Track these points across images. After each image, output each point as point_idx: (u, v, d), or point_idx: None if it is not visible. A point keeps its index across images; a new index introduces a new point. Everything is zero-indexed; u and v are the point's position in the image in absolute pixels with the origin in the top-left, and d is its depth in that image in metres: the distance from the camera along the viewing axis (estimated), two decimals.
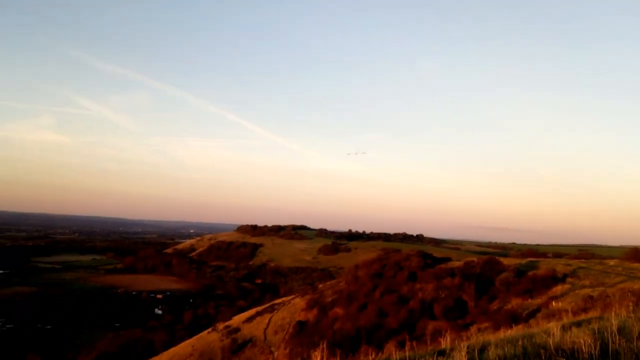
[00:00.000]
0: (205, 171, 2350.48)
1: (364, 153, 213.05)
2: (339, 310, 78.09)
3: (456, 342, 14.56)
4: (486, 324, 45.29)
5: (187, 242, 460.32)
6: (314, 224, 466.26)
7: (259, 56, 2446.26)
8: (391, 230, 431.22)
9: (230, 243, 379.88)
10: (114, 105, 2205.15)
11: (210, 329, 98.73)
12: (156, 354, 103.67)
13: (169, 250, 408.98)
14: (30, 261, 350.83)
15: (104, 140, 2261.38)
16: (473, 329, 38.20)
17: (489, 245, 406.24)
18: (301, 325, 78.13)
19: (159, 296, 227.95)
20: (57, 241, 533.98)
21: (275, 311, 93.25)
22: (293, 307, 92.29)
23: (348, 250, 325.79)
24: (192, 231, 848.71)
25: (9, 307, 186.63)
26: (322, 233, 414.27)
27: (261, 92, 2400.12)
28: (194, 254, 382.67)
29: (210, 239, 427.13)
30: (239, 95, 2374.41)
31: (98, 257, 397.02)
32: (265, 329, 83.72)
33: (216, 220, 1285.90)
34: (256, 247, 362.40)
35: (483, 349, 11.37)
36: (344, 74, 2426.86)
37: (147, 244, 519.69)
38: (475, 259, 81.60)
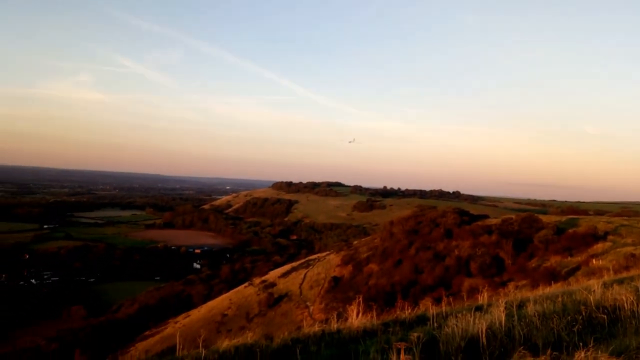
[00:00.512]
0: (241, 128, 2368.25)
1: (360, 143, 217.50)
2: (373, 267, 78.86)
3: (493, 298, 14.58)
4: (524, 282, 45.09)
5: (224, 199, 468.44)
6: (348, 181, 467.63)
7: (296, 13, 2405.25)
8: (427, 187, 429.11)
9: (266, 199, 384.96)
10: (151, 62, 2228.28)
11: (247, 284, 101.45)
12: (195, 306, 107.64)
13: (206, 207, 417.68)
14: (73, 216, 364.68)
15: (141, 98, 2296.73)
16: (510, 286, 38.05)
17: (528, 202, 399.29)
18: (336, 281, 79.40)
19: (197, 251, 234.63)
20: (99, 197, 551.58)
21: (311, 267, 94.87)
22: (328, 263, 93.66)
23: (383, 207, 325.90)
24: (228, 188, 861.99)
25: (54, 260, 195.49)
26: (357, 190, 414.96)
27: (297, 49, 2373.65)
28: (230, 210, 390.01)
29: (246, 196, 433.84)
30: (276, 53, 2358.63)
31: (138, 213, 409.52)
32: (301, 284, 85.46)
33: (252, 176, 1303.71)
34: (291, 203, 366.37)
35: (521, 305, 11.35)
36: (381, 30, 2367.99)
37: (184, 200, 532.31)
38: (513, 216, 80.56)
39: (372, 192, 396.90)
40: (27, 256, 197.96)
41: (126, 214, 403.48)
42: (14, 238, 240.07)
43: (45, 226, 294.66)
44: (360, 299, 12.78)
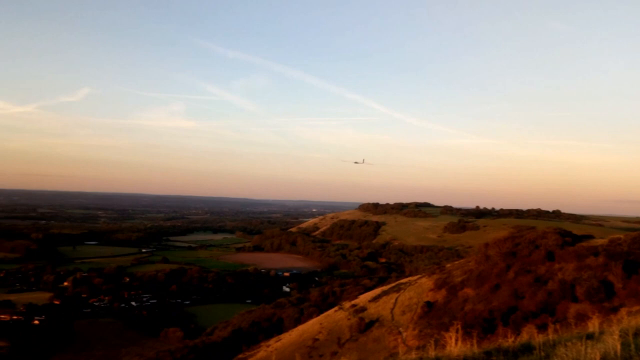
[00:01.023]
0: (325, 150, 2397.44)
1: (370, 164, 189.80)
2: (469, 291, 76.61)
3: (604, 325, 13.98)
4: (637, 308, 42.14)
5: (310, 221, 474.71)
6: (437, 201, 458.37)
7: (373, 33, 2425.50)
8: (524, 206, 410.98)
9: (353, 222, 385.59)
10: (237, 89, 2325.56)
11: (337, 308, 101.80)
12: (286, 330, 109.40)
13: (293, 229, 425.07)
14: (168, 240, 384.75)
15: (229, 124, 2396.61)
16: (622, 312, 35.72)
17: (638, 220, 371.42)
18: (429, 306, 77.84)
19: (286, 274, 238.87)
20: (191, 221, 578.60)
21: (402, 291, 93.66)
22: (420, 287, 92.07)
23: (476, 228, 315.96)
24: (314, 210, 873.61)
25: (152, 283, 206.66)
26: (447, 210, 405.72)
27: (377, 69, 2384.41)
28: (317, 232, 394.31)
29: (332, 218, 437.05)
30: (356, 73, 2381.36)
31: (228, 236, 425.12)
32: (392, 309, 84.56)
33: (337, 198, 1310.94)
34: (379, 225, 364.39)
35: (638, 333, 10.91)
36: (462, 45, 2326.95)
37: (272, 223, 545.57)
38: (621, 236, 75.48)
39: (464, 213, 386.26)
40: (128, 279, 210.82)
41: (217, 237, 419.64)
42: (116, 262, 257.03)
43: (143, 250, 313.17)
44: (459, 325, 12.71)
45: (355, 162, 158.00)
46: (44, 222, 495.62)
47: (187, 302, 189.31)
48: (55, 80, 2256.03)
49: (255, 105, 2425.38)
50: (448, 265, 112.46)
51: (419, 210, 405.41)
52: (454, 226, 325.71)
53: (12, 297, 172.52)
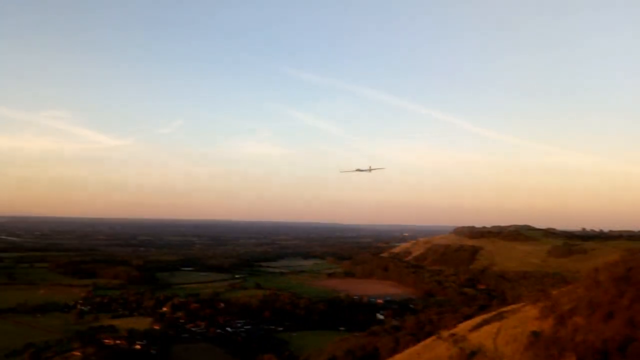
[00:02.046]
0: (412, 172, 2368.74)
1: (381, 168, 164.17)
2: (578, 320, 72.80)
3: None
4: None
5: (402, 246, 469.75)
6: (538, 224, 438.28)
7: (457, 49, 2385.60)
8: (635, 227, 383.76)
9: (447, 246, 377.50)
10: (322, 114, 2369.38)
11: (434, 337, 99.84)
12: None
13: (384, 255, 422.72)
14: (260, 266, 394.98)
15: (316, 148, 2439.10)
16: None
17: None
18: (536, 336, 74.72)
19: (380, 301, 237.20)
20: (282, 247, 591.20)
21: (504, 319, 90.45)
22: (524, 315, 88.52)
23: (583, 252, 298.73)
24: (405, 234, 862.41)
25: (246, 309, 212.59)
26: (550, 233, 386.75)
27: (463, 85, 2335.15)
28: (409, 257, 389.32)
29: (425, 243, 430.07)
30: (442, 92, 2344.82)
31: (319, 262, 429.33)
32: (495, 339, 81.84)
33: (429, 222, 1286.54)
34: (475, 250, 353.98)
35: None
36: (552, 55, 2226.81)
37: (363, 248, 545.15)
38: None
39: (569, 235, 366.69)
40: (223, 305, 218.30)
41: (308, 263, 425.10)
42: (211, 287, 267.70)
43: (236, 276, 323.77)
44: (573, 358, 12.75)
45: (358, 170, 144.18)
46: (143, 249, 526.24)
47: (280, 329, 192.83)
48: (150, 113, 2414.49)
49: (341, 129, 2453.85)
50: (554, 292, 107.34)
51: (518, 233, 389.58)
52: (558, 250, 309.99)
53: (116, 322, 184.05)
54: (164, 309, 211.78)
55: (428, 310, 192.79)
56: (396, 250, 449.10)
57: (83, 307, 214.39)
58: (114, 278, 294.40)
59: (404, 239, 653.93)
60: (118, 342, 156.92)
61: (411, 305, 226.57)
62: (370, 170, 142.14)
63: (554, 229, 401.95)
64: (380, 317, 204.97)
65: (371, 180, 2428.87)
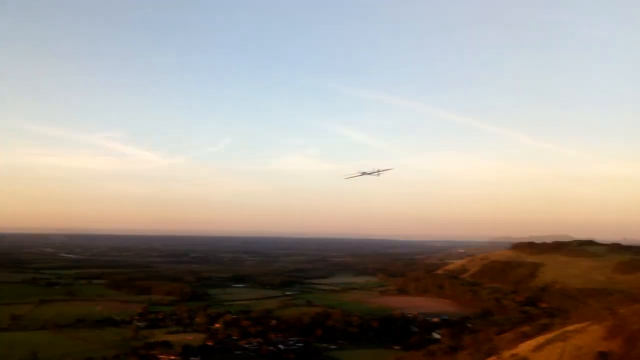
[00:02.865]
0: (467, 187, 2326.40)
1: (389, 169, 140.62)
2: None
3: None
4: None
5: (458, 263, 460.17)
6: (602, 238, 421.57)
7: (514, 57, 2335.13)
8: None
9: (506, 263, 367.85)
10: (369, 129, 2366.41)
11: (495, 357, 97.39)
12: None
13: (439, 272, 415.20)
14: (311, 283, 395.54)
15: (361, 163, 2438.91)
16: None
17: None
18: (604, 357, 71.82)
19: (435, 319, 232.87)
20: (332, 264, 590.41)
21: (569, 339, 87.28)
22: (590, 335, 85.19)
23: None
24: (461, 251, 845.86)
25: (297, 326, 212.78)
26: (616, 248, 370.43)
27: (518, 96, 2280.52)
28: (466, 275, 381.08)
29: (482, 259, 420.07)
30: (493, 104, 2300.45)
31: (371, 279, 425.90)
32: None
33: (484, 237, 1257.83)
34: (536, 266, 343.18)
35: None
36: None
37: (416, 264, 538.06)
38: None
39: (637, 251, 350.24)
40: (274, 322, 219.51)
41: (359, 280, 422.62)
42: (262, 304, 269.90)
43: (287, 293, 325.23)
44: None
45: (364, 173, 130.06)
46: (195, 266, 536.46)
47: (333, 347, 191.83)
48: (200, 132, 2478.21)
49: (388, 144, 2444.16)
50: (622, 310, 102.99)
51: (581, 248, 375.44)
52: (626, 266, 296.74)
53: (170, 338, 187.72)
54: (217, 325, 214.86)
55: (487, 329, 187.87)
56: (451, 267, 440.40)
57: (139, 323, 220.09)
58: (167, 294, 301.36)
59: (459, 255, 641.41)
60: (173, 357, 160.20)
61: (468, 324, 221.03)
62: (378, 173, 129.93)
63: (619, 244, 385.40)
64: (436, 335, 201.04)
65: (423, 195, 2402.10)
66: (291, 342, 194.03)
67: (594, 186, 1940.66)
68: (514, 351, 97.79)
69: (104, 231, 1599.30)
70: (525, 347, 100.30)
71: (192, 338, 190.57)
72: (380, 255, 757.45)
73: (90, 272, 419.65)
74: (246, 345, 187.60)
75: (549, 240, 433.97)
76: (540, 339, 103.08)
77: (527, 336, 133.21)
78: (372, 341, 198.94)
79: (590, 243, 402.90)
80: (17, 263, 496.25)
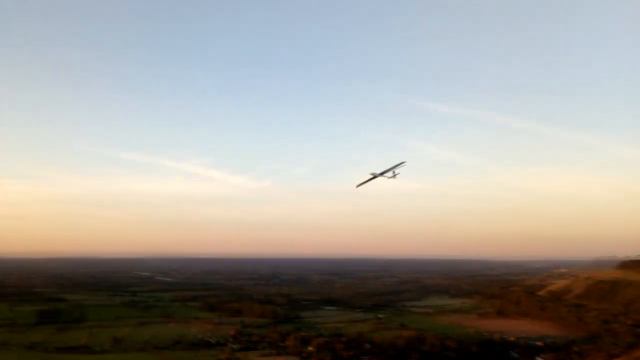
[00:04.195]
0: (566, 202, 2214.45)
1: (403, 162, 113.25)
2: None
3: None
4: None
5: (560, 283, 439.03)
6: None
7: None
8: None
9: (613, 283, 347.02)
10: (459, 145, 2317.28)
11: None
12: None
13: (540, 292, 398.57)
14: (403, 305, 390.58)
15: (452, 182, 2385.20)
16: None
17: None
18: None
19: (538, 343, 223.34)
20: (426, 285, 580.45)
21: None
22: None
23: None
24: (563, 271, 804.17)
25: (392, 350, 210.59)
26: None
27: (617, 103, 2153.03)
28: (569, 296, 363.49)
29: (586, 279, 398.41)
30: (593, 114, 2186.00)
31: (467, 301, 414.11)
32: None
33: (587, 256, 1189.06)
34: None
35: None
36: None
37: (515, 285, 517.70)
38: None
39: None
40: (368, 345, 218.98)
41: (455, 302, 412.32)
42: (355, 327, 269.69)
43: (379, 315, 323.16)
44: None
45: (375, 176, 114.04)
46: (285, 287, 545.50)
47: None
48: (285, 154, 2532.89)
49: (481, 161, 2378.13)
50: None
51: None
52: None
53: None
54: (310, 348, 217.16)
55: (595, 354, 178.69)
56: (554, 287, 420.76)
57: (233, 345, 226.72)
58: (259, 316, 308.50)
59: (561, 275, 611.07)
60: None
61: (574, 349, 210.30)
62: (393, 174, 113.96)
63: None
64: None
65: (517, 213, 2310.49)
66: None
67: None
68: None
69: (195, 254, 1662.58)
70: None
71: None
72: (475, 276, 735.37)
73: (185, 294, 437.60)
74: None
75: None
76: None
77: None
78: None
79: None
80: (116, 286, 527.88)
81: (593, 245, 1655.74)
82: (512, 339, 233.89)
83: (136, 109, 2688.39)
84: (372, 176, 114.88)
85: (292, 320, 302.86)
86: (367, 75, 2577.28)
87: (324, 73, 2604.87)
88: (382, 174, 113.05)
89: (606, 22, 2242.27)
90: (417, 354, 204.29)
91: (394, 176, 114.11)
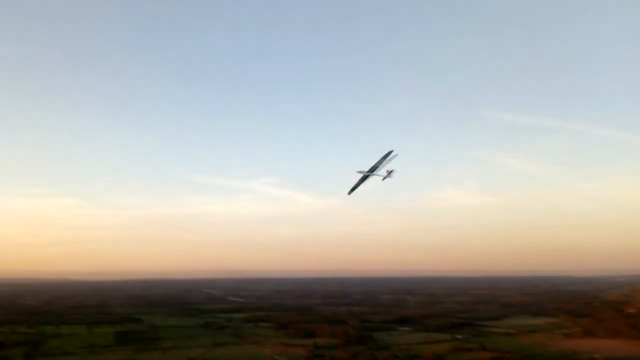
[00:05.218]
0: None
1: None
2: None
3: None
4: None
5: None
6: None
7: None
8: None
9: None
10: (530, 156, 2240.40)
11: None
12: None
13: (631, 310, 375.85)
14: (482, 326, 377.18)
15: (525, 194, 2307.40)
16: None
17: None
18: None
19: None
20: (505, 304, 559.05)
21: None
22: None
23: None
24: None
25: None
26: None
27: None
28: None
29: None
30: None
31: (551, 320, 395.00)
32: None
33: None
34: None
35: None
36: None
37: (601, 302, 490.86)
38: None
39: None
40: None
41: (538, 321, 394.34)
42: (431, 349, 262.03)
43: (457, 336, 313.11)
44: None
45: (365, 176, 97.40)
46: (356, 307, 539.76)
47: None
48: (347, 171, 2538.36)
49: (553, 171, 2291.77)
50: None
51: None
52: None
53: None
54: None
55: None
56: None
57: None
58: (331, 337, 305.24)
59: None
60: None
61: None
62: (389, 173, 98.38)
63: None
64: None
65: (599, 225, 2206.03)
66: None
67: None
68: None
69: (264, 273, 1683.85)
70: None
71: None
72: (556, 293, 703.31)
73: (256, 314, 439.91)
74: None
75: None
76: None
77: None
78: None
79: None
80: (188, 306, 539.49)
81: None
82: None
83: (206, 134, 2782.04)
84: (361, 176, 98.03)
85: (365, 340, 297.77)
86: (436, 87, 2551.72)
87: (386, 91, 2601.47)
88: (371, 170, 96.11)
89: None
90: None
91: (389, 175, 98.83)
